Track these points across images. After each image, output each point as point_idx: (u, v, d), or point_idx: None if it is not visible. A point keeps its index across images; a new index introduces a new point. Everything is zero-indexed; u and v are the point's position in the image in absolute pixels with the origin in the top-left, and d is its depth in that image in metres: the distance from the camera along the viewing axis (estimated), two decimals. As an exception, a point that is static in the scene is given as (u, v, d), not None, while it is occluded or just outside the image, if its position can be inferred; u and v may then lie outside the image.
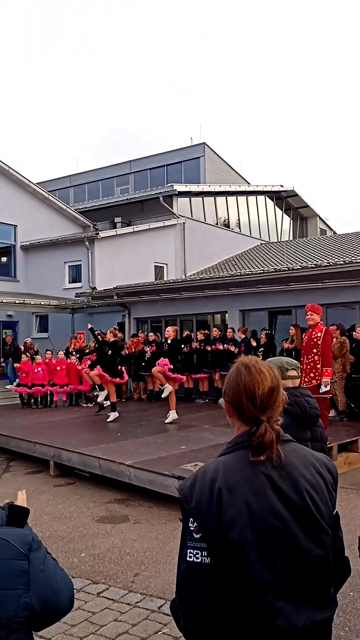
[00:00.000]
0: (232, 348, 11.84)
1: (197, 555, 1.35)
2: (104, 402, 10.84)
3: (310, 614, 1.37)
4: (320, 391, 6.93)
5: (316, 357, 7.12)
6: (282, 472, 1.40)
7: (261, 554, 1.33)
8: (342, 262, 11.16)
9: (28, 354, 13.62)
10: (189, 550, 1.37)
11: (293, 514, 1.37)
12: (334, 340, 9.52)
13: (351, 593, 3.82)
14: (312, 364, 7.13)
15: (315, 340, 7.21)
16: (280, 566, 1.34)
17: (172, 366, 9.48)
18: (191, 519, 1.39)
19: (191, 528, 1.38)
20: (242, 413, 1.47)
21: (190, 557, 1.36)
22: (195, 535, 1.37)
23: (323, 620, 1.40)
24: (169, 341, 9.79)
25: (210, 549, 1.35)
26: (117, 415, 10.17)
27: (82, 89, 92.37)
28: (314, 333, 7.29)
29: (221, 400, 1.58)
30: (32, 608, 1.30)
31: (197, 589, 1.35)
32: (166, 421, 9.48)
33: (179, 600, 1.39)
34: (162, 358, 9.67)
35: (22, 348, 14.54)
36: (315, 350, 7.15)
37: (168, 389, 9.47)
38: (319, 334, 7.27)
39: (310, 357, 7.16)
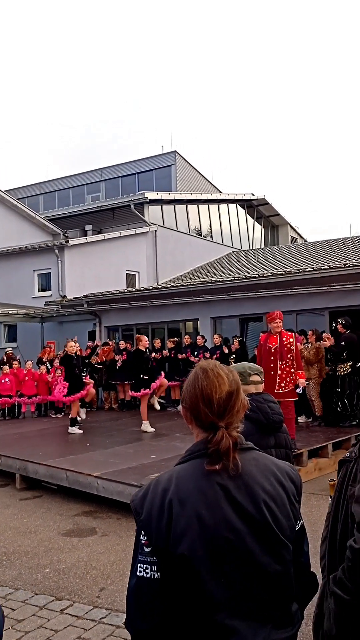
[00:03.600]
0: (202, 356, 11.75)
1: (147, 570, 1.29)
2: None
3: (268, 634, 1.29)
4: (299, 391, 7.36)
5: (291, 363, 7.21)
6: (238, 482, 1.33)
7: (213, 570, 1.26)
8: (311, 269, 11.28)
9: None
10: (139, 565, 1.30)
11: (249, 527, 1.29)
12: (310, 345, 9.61)
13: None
14: (287, 369, 7.23)
15: (288, 346, 7.29)
16: (235, 582, 1.27)
17: (140, 392, 9.45)
18: (142, 531, 1.31)
19: (142, 541, 1.31)
20: (200, 419, 1.40)
21: (140, 571, 1.30)
22: (145, 549, 1.30)
23: (283, 639, 1.32)
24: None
25: (160, 563, 1.28)
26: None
27: (51, 95, 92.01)
28: (285, 339, 7.35)
29: (179, 407, 1.51)
30: None
31: (146, 606, 1.28)
32: (142, 428, 9.45)
33: (128, 617, 1.32)
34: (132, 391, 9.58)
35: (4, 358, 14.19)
36: (290, 356, 7.22)
37: (146, 426, 9.44)
38: (291, 340, 7.37)
39: (286, 362, 7.23)
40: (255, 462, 1.39)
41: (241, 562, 1.28)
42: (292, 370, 7.23)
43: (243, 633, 1.26)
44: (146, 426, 9.45)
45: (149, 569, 1.28)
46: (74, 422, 9.81)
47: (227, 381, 1.40)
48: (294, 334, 7.72)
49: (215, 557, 1.26)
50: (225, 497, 1.30)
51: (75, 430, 9.65)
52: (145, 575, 1.28)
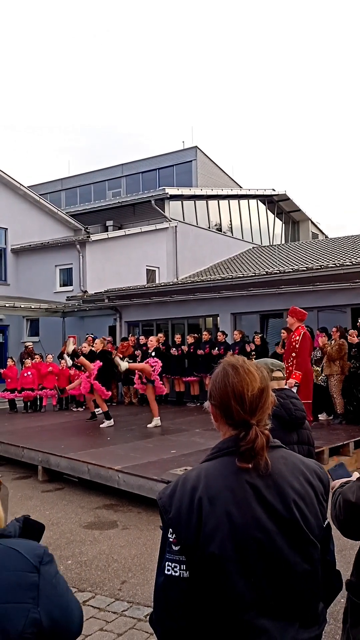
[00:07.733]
0: (222, 352, 11.75)
1: (175, 569, 1.28)
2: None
3: (296, 633, 1.29)
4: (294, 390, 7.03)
5: (295, 362, 7.02)
6: (268, 482, 1.32)
7: (242, 569, 1.25)
8: (333, 265, 11.16)
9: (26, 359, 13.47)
10: (167, 563, 1.30)
11: (279, 527, 1.29)
12: (333, 342, 9.50)
13: (342, 600, 3.74)
14: (290, 369, 7.05)
15: (294, 344, 7.14)
16: (264, 582, 1.27)
17: (157, 377, 9.47)
18: (170, 529, 1.31)
19: (170, 539, 1.31)
20: (231, 417, 1.38)
21: (168, 570, 1.29)
22: (174, 547, 1.29)
23: (310, 638, 1.32)
24: (152, 352, 9.83)
25: (189, 562, 1.27)
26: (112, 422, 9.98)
27: (73, 92, 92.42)
28: (293, 337, 7.21)
29: (207, 404, 1.49)
30: (41, 625, 1.19)
31: (174, 605, 1.27)
32: (149, 426, 9.49)
33: (156, 615, 1.32)
34: (152, 359, 9.62)
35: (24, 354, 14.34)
36: (294, 355, 7.06)
37: (156, 421, 9.52)
38: (298, 338, 7.20)
39: (289, 361, 7.07)
40: (284, 461, 1.38)
41: (271, 561, 1.27)
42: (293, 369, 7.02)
43: (272, 632, 1.25)
44: (157, 421, 9.55)
45: (178, 568, 1.28)
46: (108, 416, 9.92)
47: (257, 378, 1.39)
48: (301, 333, 7.37)
49: (245, 556, 1.26)
50: (255, 496, 1.30)
51: (108, 423, 9.79)
52: (173, 573, 1.28)
